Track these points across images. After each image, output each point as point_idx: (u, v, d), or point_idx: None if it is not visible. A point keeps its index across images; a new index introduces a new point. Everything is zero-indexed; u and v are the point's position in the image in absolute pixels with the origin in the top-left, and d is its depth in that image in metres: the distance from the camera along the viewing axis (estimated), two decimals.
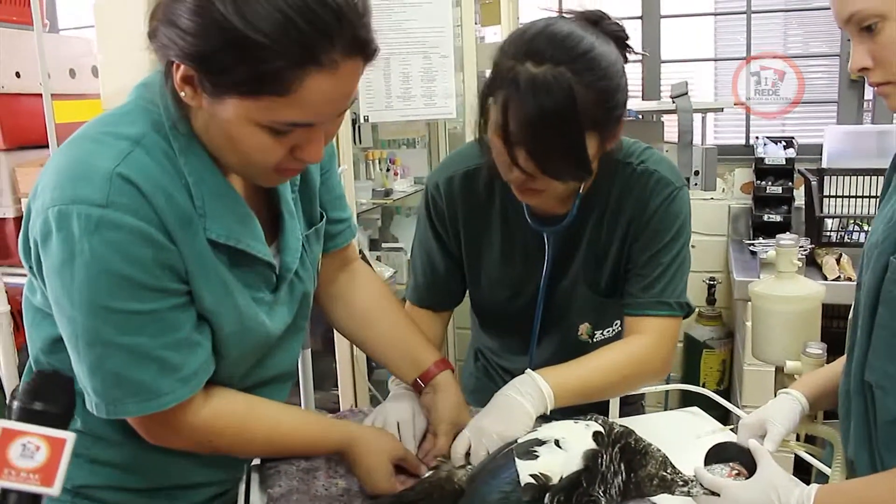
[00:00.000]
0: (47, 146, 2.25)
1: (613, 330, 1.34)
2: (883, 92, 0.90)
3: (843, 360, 1.07)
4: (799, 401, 1.10)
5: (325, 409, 2.37)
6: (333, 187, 1.18)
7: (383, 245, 2.95)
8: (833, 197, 2.61)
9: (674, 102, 2.41)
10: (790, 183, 2.83)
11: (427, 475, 1.09)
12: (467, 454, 1.08)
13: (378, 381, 2.46)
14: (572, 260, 1.27)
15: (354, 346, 1.69)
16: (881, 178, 1.05)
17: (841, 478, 1.06)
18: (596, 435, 0.98)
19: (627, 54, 1.11)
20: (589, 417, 1.02)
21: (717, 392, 1.52)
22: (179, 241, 0.89)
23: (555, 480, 0.94)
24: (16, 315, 2.31)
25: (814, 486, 0.91)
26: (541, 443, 0.98)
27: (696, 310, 3.00)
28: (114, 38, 2.12)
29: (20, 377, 1.08)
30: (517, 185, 1.12)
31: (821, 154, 2.84)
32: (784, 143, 2.89)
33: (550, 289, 1.28)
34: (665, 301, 1.21)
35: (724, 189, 3.08)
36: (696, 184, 2.39)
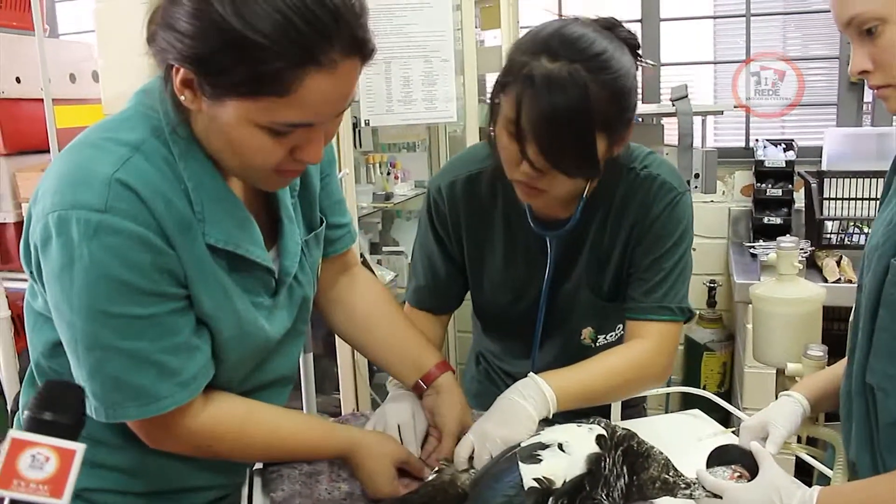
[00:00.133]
0: (47, 151, 2.26)
1: (616, 334, 1.35)
2: (883, 95, 0.90)
3: (844, 362, 1.07)
4: (800, 403, 1.10)
5: (326, 413, 2.38)
6: (333, 192, 1.18)
7: (384, 249, 2.95)
8: (833, 199, 2.61)
9: (674, 105, 2.42)
10: (790, 185, 2.83)
11: (430, 478, 1.09)
12: (470, 458, 1.08)
13: (379, 384, 2.46)
14: (575, 264, 1.27)
15: (355, 350, 1.69)
16: (881, 181, 1.06)
17: (843, 480, 1.06)
18: (599, 438, 0.98)
19: (639, 62, 1.12)
20: (592, 420, 1.02)
21: (717, 394, 1.52)
22: (178, 246, 0.90)
23: (558, 484, 0.94)
24: (16, 320, 2.31)
25: (816, 488, 0.91)
26: (544, 446, 0.98)
27: (697, 313, 3.00)
28: (114, 42, 2.13)
29: (20, 382, 1.08)
30: (522, 184, 1.12)
31: (820, 156, 2.84)
32: (784, 146, 2.89)
33: (553, 292, 1.28)
34: (667, 306, 1.21)
35: (724, 192, 3.08)
36: (696, 186, 2.39)
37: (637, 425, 1.17)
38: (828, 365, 1.27)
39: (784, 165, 2.85)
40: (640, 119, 2.61)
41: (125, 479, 1.03)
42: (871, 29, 0.86)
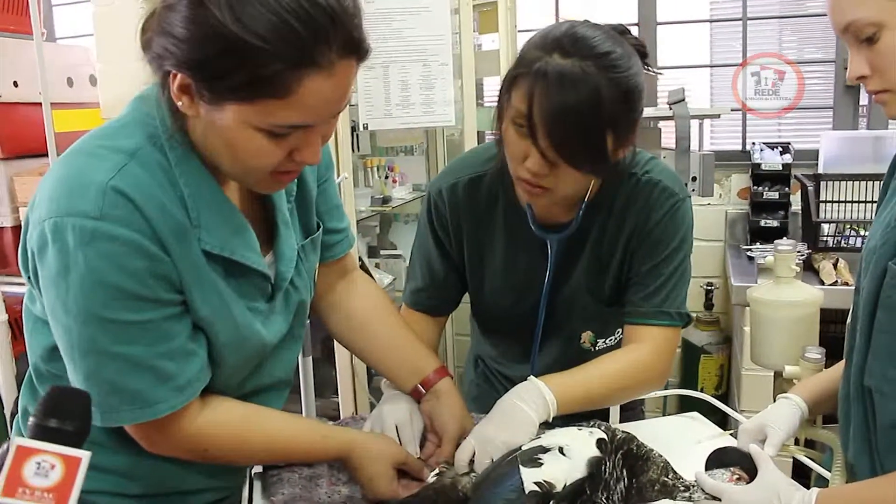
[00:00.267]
0: (45, 155, 2.25)
1: (615, 338, 1.35)
2: (881, 100, 0.90)
3: (842, 364, 1.07)
4: (799, 405, 1.11)
5: (325, 417, 2.37)
6: (331, 197, 1.18)
7: (382, 252, 2.95)
8: (829, 202, 2.62)
9: (671, 109, 2.42)
10: (787, 188, 2.84)
11: (431, 481, 1.09)
12: (471, 461, 1.08)
13: (378, 388, 2.45)
14: (575, 267, 1.27)
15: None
16: (877, 183, 1.06)
17: (841, 482, 1.06)
18: (600, 442, 0.98)
19: (646, 69, 1.12)
20: (592, 424, 1.03)
21: (714, 397, 1.53)
22: (174, 253, 0.90)
23: (559, 488, 0.94)
24: (13, 324, 2.31)
25: (814, 490, 0.91)
26: (545, 450, 0.98)
27: (694, 316, 3.01)
28: (113, 46, 2.13)
29: (17, 386, 1.08)
30: (526, 182, 1.11)
31: (817, 159, 2.86)
32: (780, 149, 2.90)
33: (553, 296, 1.28)
34: (666, 311, 1.22)
35: (720, 195, 3.08)
36: (693, 190, 2.39)
37: (636, 428, 1.17)
38: (825, 367, 1.28)
39: (781, 168, 2.85)
40: None
41: (121, 482, 1.04)
42: (870, 37, 0.86)
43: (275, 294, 1.04)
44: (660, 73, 2.99)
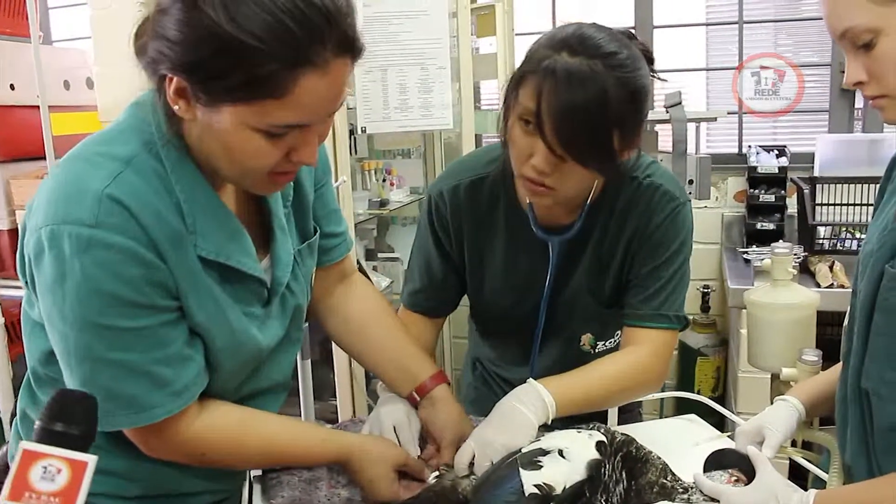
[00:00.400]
0: (42, 158, 2.25)
1: (615, 341, 1.35)
2: (878, 105, 0.90)
3: (839, 366, 1.08)
4: (796, 407, 1.11)
5: (323, 420, 2.37)
6: (328, 202, 1.18)
7: (379, 255, 2.95)
8: (825, 205, 2.63)
9: (667, 112, 2.42)
10: (783, 191, 2.85)
11: (431, 483, 1.09)
12: (471, 464, 1.08)
13: (376, 391, 2.46)
14: (576, 269, 1.28)
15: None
16: (872, 186, 1.07)
17: (838, 484, 1.07)
18: (599, 444, 0.98)
19: (652, 74, 1.13)
20: (591, 426, 1.03)
21: (711, 399, 1.53)
22: (169, 259, 0.90)
23: (558, 490, 0.94)
24: (9, 327, 2.30)
25: (812, 492, 0.92)
26: (544, 453, 0.99)
27: (691, 319, 3.01)
28: (110, 49, 2.13)
29: (14, 389, 1.08)
30: (530, 181, 1.11)
31: (813, 162, 2.86)
32: (776, 152, 2.91)
33: (553, 297, 1.29)
34: (664, 314, 1.22)
35: (717, 197, 3.09)
36: (689, 193, 2.40)
37: (634, 430, 1.18)
38: (822, 370, 1.28)
39: (777, 171, 2.86)
40: None
41: (120, 484, 1.04)
42: (867, 43, 0.86)
43: (271, 299, 1.04)
44: (664, 80, 3.00)
